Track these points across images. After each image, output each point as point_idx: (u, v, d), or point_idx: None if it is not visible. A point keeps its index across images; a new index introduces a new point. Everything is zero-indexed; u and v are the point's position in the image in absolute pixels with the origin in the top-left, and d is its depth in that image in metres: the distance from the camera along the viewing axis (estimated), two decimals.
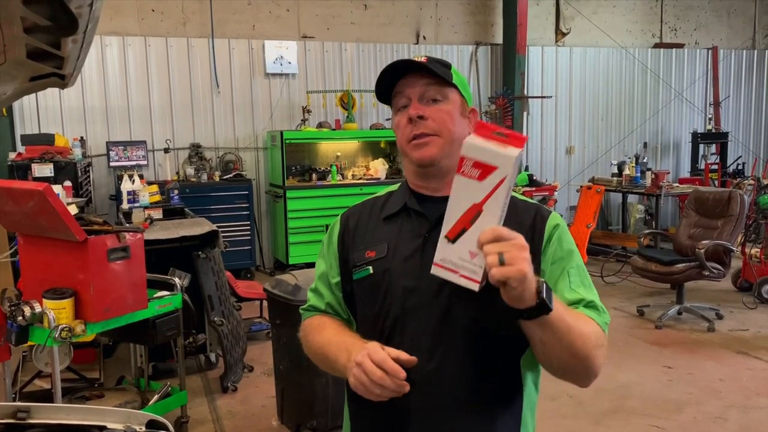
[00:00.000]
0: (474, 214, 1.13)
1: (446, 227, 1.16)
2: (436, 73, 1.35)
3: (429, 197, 1.42)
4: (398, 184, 1.54)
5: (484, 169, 1.12)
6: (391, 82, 1.40)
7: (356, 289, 1.43)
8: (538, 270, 1.34)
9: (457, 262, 1.15)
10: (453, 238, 1.15)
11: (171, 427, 1.57)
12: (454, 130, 1.37)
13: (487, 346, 1.30)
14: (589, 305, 1.31)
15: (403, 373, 1.17)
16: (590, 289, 1.34)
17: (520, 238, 1.11)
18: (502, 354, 1.33)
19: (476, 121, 1.45)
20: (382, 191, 1.55)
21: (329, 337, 1.40)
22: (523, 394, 1.36)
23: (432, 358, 1.30)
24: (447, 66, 1.39)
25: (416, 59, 1.36)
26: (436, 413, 1.31)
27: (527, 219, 1.37)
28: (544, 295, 1.12)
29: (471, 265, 1.14)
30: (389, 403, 1.22)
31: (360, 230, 1.47)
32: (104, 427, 1.53)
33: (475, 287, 1.14)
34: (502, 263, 1.08)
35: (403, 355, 1.19)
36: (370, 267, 1.39)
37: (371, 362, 1.18)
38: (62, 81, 1.55)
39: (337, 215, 1.56)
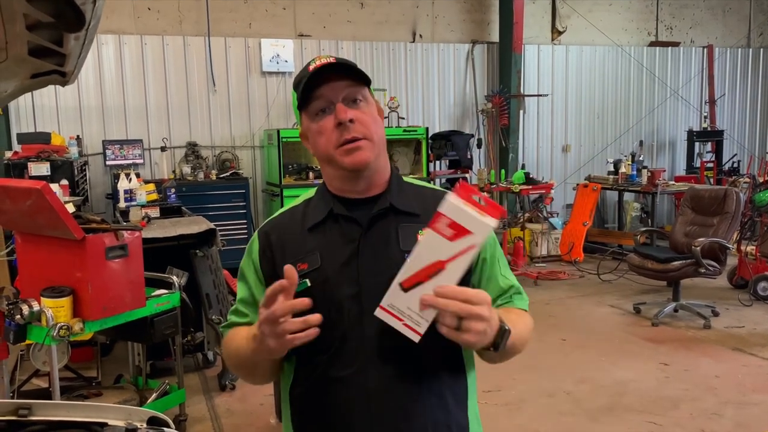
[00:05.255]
0: (435, 270, 1.13)
1: (403, 275, 1.16)
2: (356, 72, 1.32)
3: (356, 200, 1.39)
4: (312, 190, 1.48)
5: (459, 231, 1.11)
6: (305, 90, 1.33)
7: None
8: (476, 258, 1.37)
9: (404, 311, 1.16)
10: (407, 288, 1.15)
11: (171, 424, 1.58)
12: (378, 131, 1.36)
13: (434, 337, 1.24)
14: (517, 293, 1.44)
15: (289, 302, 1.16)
16: (511, 272, 1.47)
17: (484, 307, 1.14)
18: (449, 344, 1.26)
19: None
20: (296, 201, 1.49)
21: (242, 336, 1.37)
22: (467, 380, 1.42)
23: (387, 362, 1.31)
24: (354, 65, 1.35)
25: (323, 60, 1.32)
26: (387, 394, 1.32)
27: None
28: (501, 346, 1.21)
29: (417, 316, 1.15)
30: (340, 402, 1.29)
31: (286, 243, 1.40)
32: (105, 424, 1.53)
33: (416, 338, 1.17)
34: (457, 328, 1.13)
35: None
36: (307, 280, 1.33)
37: (263, 313, 1.18)
38: (63, 78, 1.55)
39: None
